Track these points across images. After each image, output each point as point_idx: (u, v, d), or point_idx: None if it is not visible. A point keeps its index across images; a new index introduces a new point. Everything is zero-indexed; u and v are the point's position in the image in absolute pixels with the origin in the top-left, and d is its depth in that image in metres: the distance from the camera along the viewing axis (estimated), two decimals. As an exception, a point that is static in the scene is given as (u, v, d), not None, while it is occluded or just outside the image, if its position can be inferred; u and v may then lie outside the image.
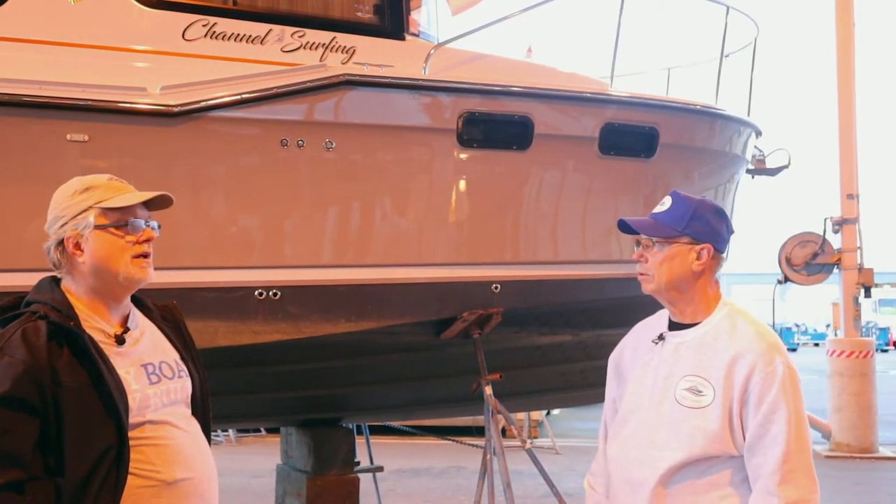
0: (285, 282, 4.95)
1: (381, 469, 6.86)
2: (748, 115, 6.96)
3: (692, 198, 2.72)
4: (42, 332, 2.29)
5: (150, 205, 2.51)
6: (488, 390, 5.56)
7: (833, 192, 12.71)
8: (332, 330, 5.09)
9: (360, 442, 6.85)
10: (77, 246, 2.42)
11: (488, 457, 5.65)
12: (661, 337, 2.69)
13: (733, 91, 6.91)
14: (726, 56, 6.67)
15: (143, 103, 4.62)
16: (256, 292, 4.90)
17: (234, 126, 4.83)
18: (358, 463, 6.43)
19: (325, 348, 5.22)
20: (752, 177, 8.06)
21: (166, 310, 2.69)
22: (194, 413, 2.57)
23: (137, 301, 2.59)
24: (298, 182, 4.98)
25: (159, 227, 2.53)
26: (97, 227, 2.41)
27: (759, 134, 7.12)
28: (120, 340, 2.43)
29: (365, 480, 6.59)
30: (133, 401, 2.35)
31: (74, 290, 2.45)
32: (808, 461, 2.50)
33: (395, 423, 8.32)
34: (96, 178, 2.50)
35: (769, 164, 8.06)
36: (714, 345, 2.59)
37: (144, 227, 2.47)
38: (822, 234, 12.58)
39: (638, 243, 2.71)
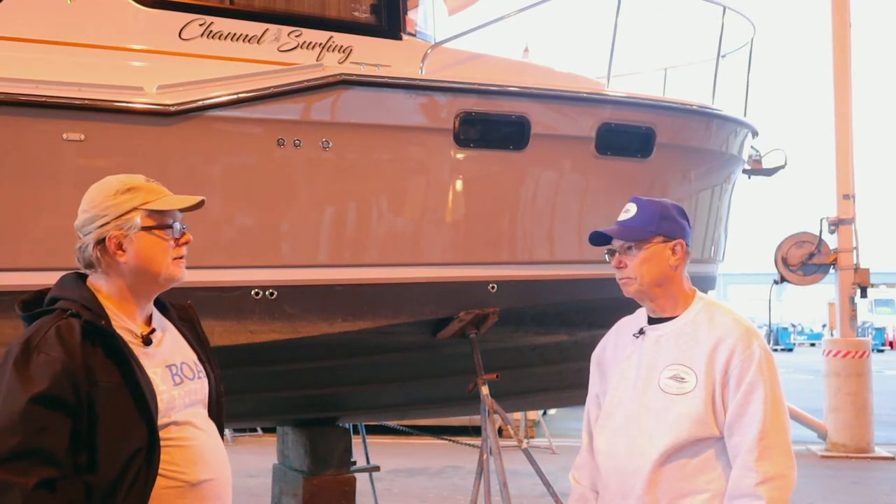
0: (282, 281, 4.95)
1: (377, 469, 6.86)
2: (745, 115, 6.97)
3: (654, 200, 2.87)
4: (76, 331, 2.29)
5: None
6: (485, 390, 5.57)
7: (829, 192, 12.73)
8: (328, 329, 5.09)
9: (356, 441, 6.85)
10: (119, 246, 2.42)
11: (485, 456, 5.65)
12: (641, 331, 2.83)
13: (730, 91, 6.93)
14: (723, 56, 6.68)
15: (139, 103, 4.62)
16: (253, 292, 4.90)
17: (230, 125, 4.83)
18: (354, 462, 6.42)
19: (322, 348, 5.22)
20: (749, 177, 8.08)
21: (182, 309, 2.71)
22: (210, 413, 2.59)
23: (155, 300, 2.60)
24: (295, 181, 4.98)
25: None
26: (143, 228, 2.43)
27: (755, 134, 7.13)
28: (147, 341, 2.45)
29: (361, 480, 6.59)
30: (161, 402, 2.37)
31: (104, 289, 2.45)
32: (784, 439, 2.62)
33: (392, 423, 8.32)
34: (135, 178, 2.50)
35: (766, 165, 8.08)
36: (694, 335, 2.73)
37: (182, 229, 2.52)
38: (818, 234, 12.59)
39: (611, 252, 2.85)
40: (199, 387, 2.54)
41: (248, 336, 4.91)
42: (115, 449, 2.28)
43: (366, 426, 7.42)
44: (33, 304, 2.45)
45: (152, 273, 2.45)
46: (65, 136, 4.51)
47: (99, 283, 2.46)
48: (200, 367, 2.58)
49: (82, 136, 4.53)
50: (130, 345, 2.38)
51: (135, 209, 2.43)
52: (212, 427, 2.55)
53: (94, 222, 2.44)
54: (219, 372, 2.67)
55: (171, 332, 2.57)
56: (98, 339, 2.32)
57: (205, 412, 2.56)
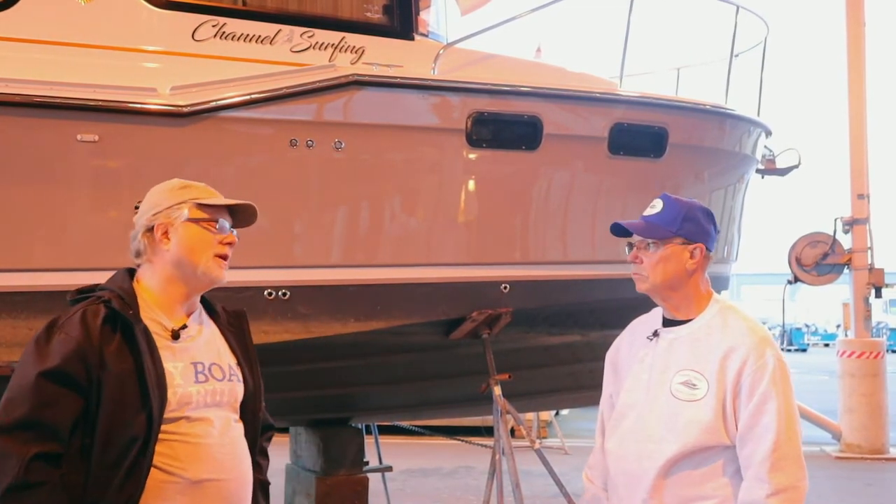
0: (295, 282, 4.96)
1: (390, 469, 6.86)
2: (758, 114, 6.94)
3: (682, 200, 2.83)
4: (100, 316, 2.39)
5: (234, 219, 2.64)
6: (497, 390, 5.56)
7: (843, 192, 12.66)
8: (341, 330, 5.09)
9: (369, 442, 6.85)
10: (165, 234, 2.53)
11: (497, 457, 5.65)
12: (655, 333, 2.80)
13: (743, 91, 6.90)
14: (736, 55, 6.65)
15: (153, 104, 4.64)
16: (266, 292, 4.91)
17: (243, 126, 4.84)
18: (367, 463, 6.43)
19: (335, 348, 5.23)
20: (762, 177, 8.04)
21: (234, 316, 2.76)
22: (242, 419, 2.60)
23: (207, 305, 2.68)
24: (308, 182, 4.99)
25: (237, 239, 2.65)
26: (190, 219, 2.54)
27: (769, 134, 7.10)
28: (175, 335, 2.49)
29: (374, 480, 6.59)
30: (173, 395, 2.40)
31: (148, 281, 2.55)
32: (797, 450, 2.59)
33: (405, 423, 8.33)
34: (196, 182, 2.65)
35: (779, 164, 8.04)
36: (707, 340, 2.70)
37: (229, 230, 2.60)
38: (832, 234, 12.52)
39: (630, 245, 2.82)
40: (228, 389, 2.56)
41: (261, 336, 4.92)
42: (113, 434, 2.33)
43: (378, 426, 7.42)
44: (88, 291, 2.54)
45: (191, 263, 2.52)
46: (79, 136, 4.53)
47: (145, 275, 2.56)
48: (236, 372, 2.61)
49: (96, 137, 4.55)
50: (156, 337, 2.44)
51: (185, 202, 2.55)
52: (236, 431, 2.55)
53: (149, 212, 2.56)
54: (259, 382, 2.70)
55: (209, 333, 2.62)
56: (119, 326, 2.40)
57: (231, 415, 2.56)
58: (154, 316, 2.49)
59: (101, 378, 2.34)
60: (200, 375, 2.49)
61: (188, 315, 2.57)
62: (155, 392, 2.35)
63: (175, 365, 2.45)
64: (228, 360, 2.61)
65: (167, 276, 2.54)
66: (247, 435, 2.60)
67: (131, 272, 2.59)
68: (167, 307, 2.53)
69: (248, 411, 2.62)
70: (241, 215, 2.66)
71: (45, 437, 2.27)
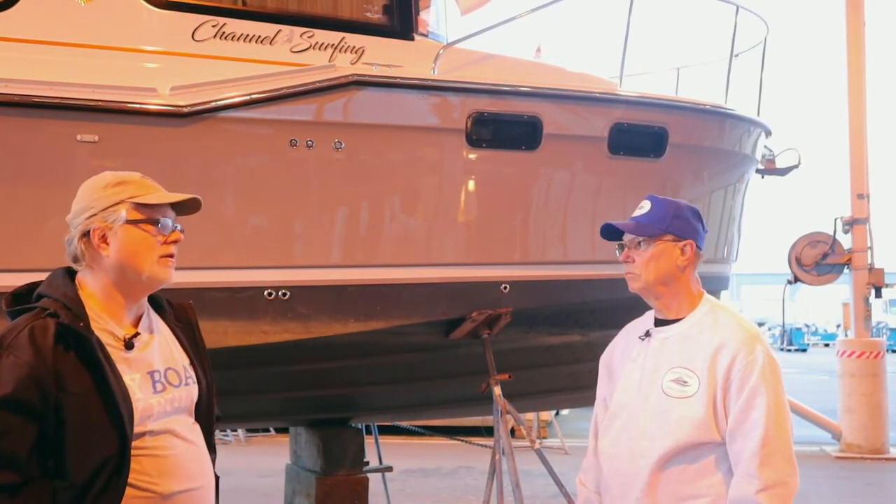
0: (294, 282, 4.96)
1: (390, 469, 6.86)
2: (758, 114, 6.94)
3: (670, 199, 2.87)
4: (50, 332, 2.22)
5: (176, 209, 2.46)
6: (497, 390, 5.56)
7: (843, 191, 12.67)
8: (341, 330, 5.10)
9: (369, 442, 6.85)
10: (103, 239, 2.34)
11: (497, 457, 5.65)
12: (647, 333, 2.83)
13: (743, 91, 6.90)
14: (736, 55, 6.65)
15: (153, 104, 4.64)
16: (266, 292, 4.91)
17: (243, 126, 4.84)
18: (367, 463, 6.43)
19: (334, 348, 5.23)
20: (762, 177, 8.04)
21: (181, 310, 2.61)
22: (198, 419, 2.50)
23: (153, 300, 2.52)
24: (308, 182, 4.99)
25: (182, 230, 2.46)
26: (129, 221, 2.34)
27: (768, 134, 7.10)
28: (129, 345, 2.35)
29: (374, 480, 6.59)
30: (136, 410, 2.28)
31: (91, 286, 2.37)
32: (787, 445, 2.59)
33: (405, 423, 8.33)
34: (129, 174, 2.43)
35: (779, 164, 8.04)
36: (698, 338, 2.71)
37: (173, 227, 2.42)
38: (832, 234, 12.53)
39: (621, 247, 2.86)
40: (185, 394, 2.44)
41: (261, 336, 4.93)
42: (83, 457, 2.21)
43: (378, 426, 7.42)
44: (24, 297, 2.38)
45: (135, 269, 2.35)
46: (79, 137, 4.53)
47: (86, 279, 2.38)
48: (190, 373, 2.49)
49: (96, 138, 4.55)
50: (109, 348, 2.29)
51: (122, 202, 2.35)
52: (196, 435, 2.45)
53: (82, 214, 2.37)
54: (212, 378, 2.58)
55: (161, 335, 2.47)
56: (72, 342, 2.23)
57: (189, 420, 2.46)
58: (104, 325, 2.32)
59: (60, 400, 2.19)
60: (158, 384, 2.37)
61: (137, 318, 2.42)
62: (124, 410, 2.23)
63: (133, 377, 2.31)
64: (182, 361, 2.48)
65: (110, 282, 2.36)
66: (202, 434, 2.50)
67: (71, 273, 2.40)
68: (114, 313, 2.36)
69: (202, 411, 2.51)
70: (183, 205, 2.46)
71: (5, 468, 2.15)
